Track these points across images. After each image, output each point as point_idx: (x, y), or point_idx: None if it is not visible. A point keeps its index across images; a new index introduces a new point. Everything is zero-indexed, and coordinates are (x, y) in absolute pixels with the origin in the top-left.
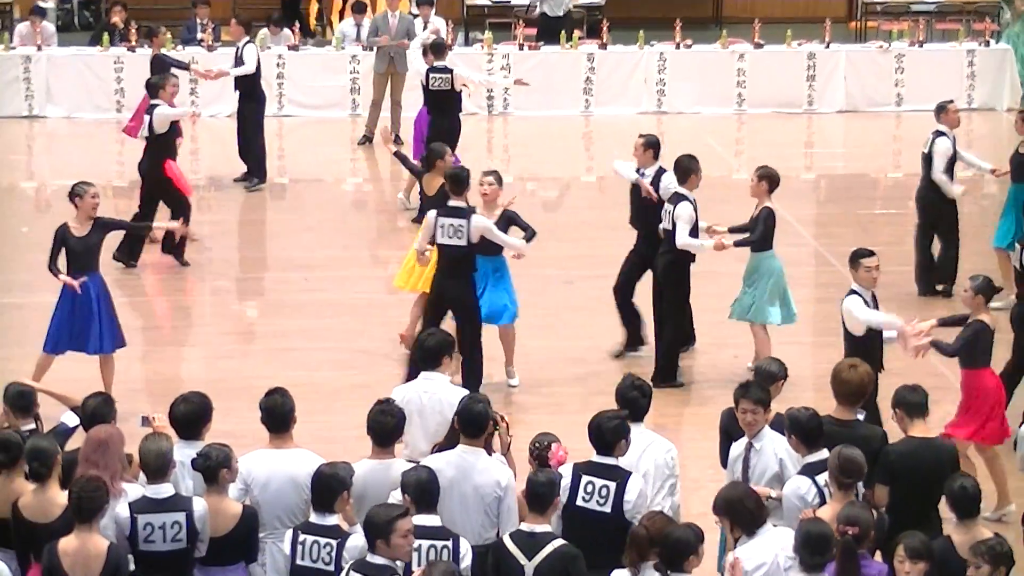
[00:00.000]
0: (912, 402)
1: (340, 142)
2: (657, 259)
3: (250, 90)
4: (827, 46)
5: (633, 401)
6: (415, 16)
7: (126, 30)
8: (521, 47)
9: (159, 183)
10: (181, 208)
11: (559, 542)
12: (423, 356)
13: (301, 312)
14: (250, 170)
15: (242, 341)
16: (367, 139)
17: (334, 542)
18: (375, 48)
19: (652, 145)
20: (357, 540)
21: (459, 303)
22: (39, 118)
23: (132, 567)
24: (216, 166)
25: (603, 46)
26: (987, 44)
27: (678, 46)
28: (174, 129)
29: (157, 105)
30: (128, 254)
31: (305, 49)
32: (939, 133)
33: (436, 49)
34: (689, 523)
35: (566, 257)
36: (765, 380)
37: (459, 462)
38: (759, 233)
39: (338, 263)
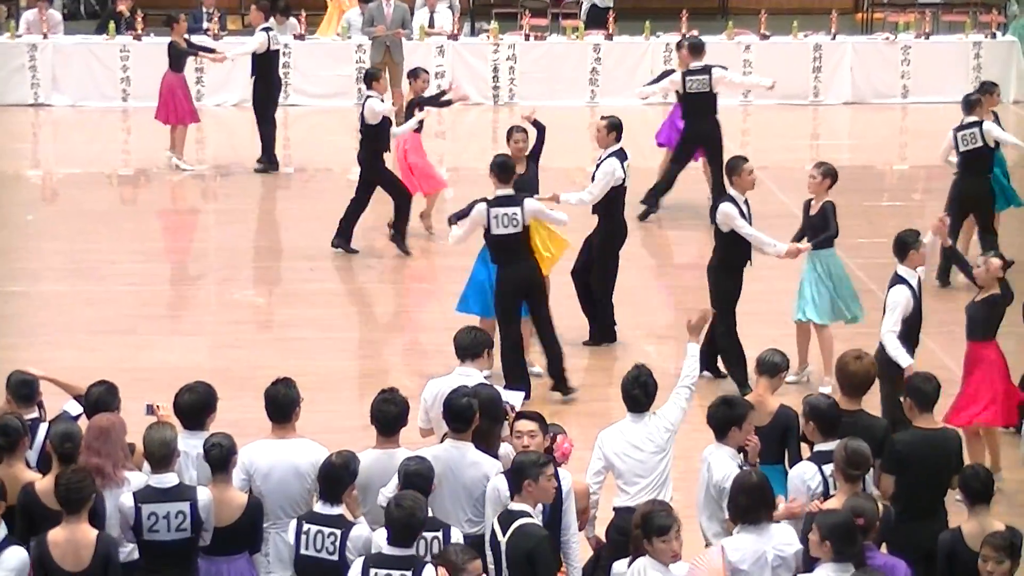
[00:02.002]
0: (924, 392)
1: (346, 131)
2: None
3: (264, 75)
4: (833, 37)
5: (634, 399)
6: (423, 5)
7: (132, 19)
8: (527, 37)
9: (375, 171)
10: (401, 199)
11: (526, 520)
12: (463, 350)
13: (307, 301)
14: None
15: (248, 330)
16: None
17: (338, 532)
18: (371, 38)
19: (615, 127)
20: (361, 530)
21: (531, 284)
22: (45, 106)
23: (136, 556)
24: (222, 154)
25: (609, 36)
26: (993, 36)
27: (684, 37)
28: (386, 121)
29: (370, 96)
30: (347, 240)
31: (312, 39)
32: (979, 122)
33: (695, 49)
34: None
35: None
36: (769, 371)
37: (446, 456)
38: (835, 226)
39: (343, 253)
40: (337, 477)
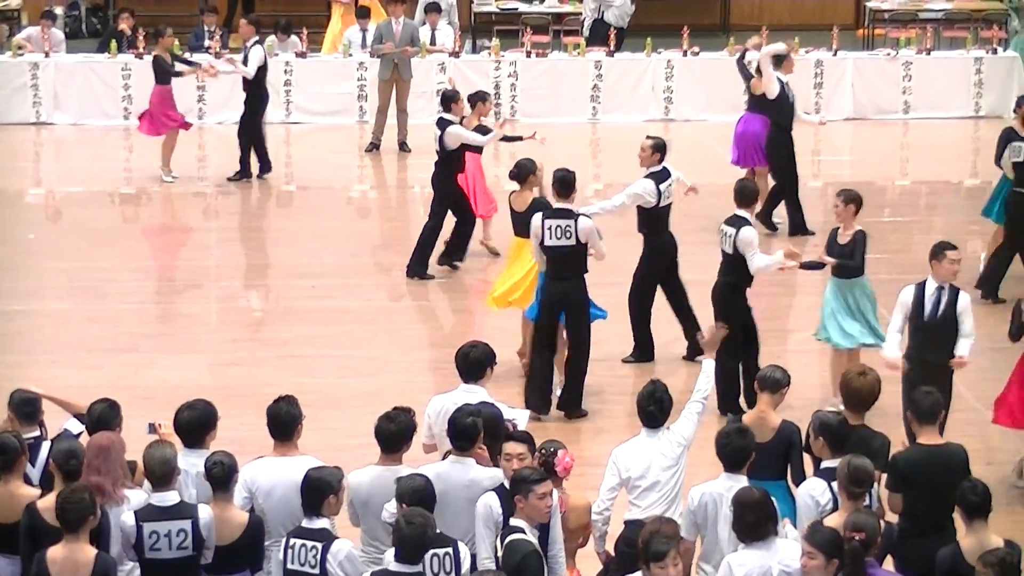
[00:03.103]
0: (923, 406)
1: (347, 149)
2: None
3: (255, 90)
4: (835, 53)
5: (649, 414)
6: (423, 23)
7: (134, 37)
8: (528, 54)
9: (449, 195)
10: (464, 222)
11: (517, 536)
12: (467, 368)
13: (308, 319)
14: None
15: (249, 348)
16: (374, 146)
17: (319, 545)
18: (380, 56)
19: (659, 149)
20: (342, 545)
21: (569, 302)
22: (47, 125)
23: (138, 574)
24: (222, 172)
25: (611, 53)
26: (995, 52)
27: (685, 53)
28: (463, 146)
29: (450, 122)
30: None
31: (313, 56)
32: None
33: (779, 62)
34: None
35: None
36: (771, 387)
37: (447, 473)
38: (860, 258)
39: (345, 270)
40: (313, 488)
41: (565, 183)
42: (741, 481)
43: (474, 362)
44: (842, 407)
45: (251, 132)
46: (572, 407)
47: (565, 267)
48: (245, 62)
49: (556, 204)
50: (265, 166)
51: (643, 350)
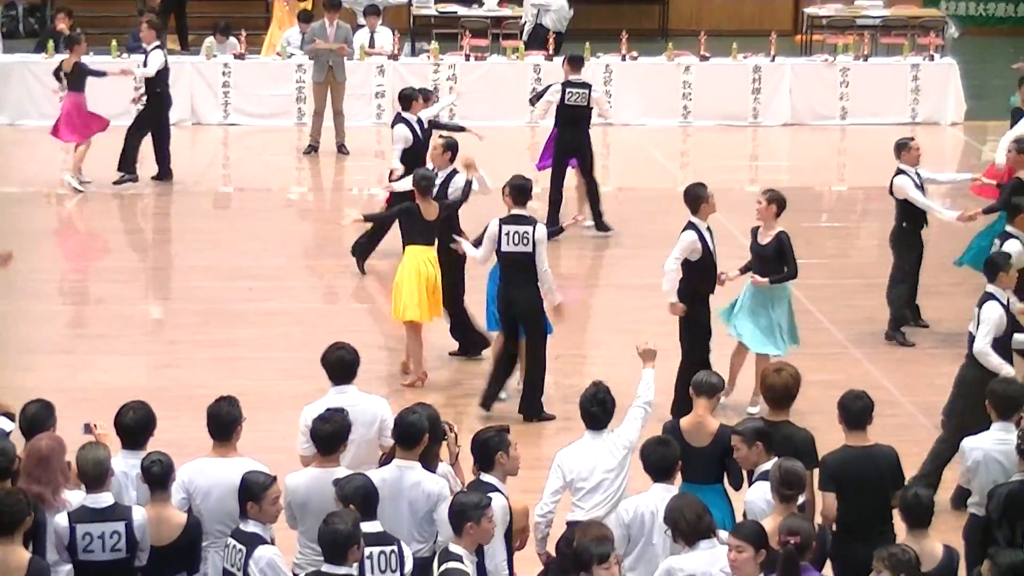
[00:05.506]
0: (851, 410)
1: (286, 151)
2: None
3: (156, 92)
4: (772, 59)
5: (593, 416)
6: (361, 26)
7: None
8: (467, 57)
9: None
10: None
11: (454, 564)
12: (342, 370)
13: (245, 321)
14: (161, 170)
15: (186, 350)
16: (313, 148)
17: (245, 548)
18: (314, 57)
19: (450, 147)
20: (264, 551)
21: (527, 310)
22: None
23: None
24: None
25: (549, 57)
26: (932, 59)
27: (624, 58)
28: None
29: (405, 119)
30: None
31: (252, 58)
32: (899, 171)
33: (574, 62)
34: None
35: None
36: (707, 392)
37: (394, 476)
38: (793, 261)
39: (283, 272)
40: (240, 491)
41: (523, 190)
42: (673, 490)
43: (349, 364)
44: (761, 404)
45: (156, 135)
46: (533, 412)
47: (524, 272)
48: (145, 64)
49: (514, 211)
50: (165, 172)
51: (477, 343)
